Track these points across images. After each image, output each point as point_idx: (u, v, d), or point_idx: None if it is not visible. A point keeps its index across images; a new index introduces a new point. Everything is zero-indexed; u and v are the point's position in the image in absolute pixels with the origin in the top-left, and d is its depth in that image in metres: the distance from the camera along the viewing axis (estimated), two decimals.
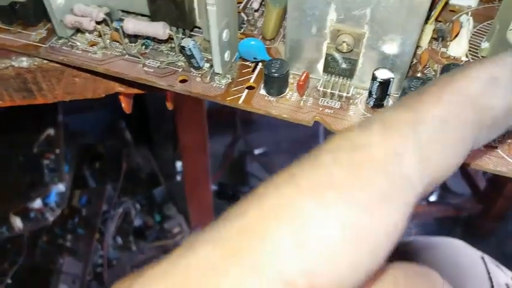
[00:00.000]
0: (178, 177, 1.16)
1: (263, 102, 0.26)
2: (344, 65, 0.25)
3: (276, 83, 0.26)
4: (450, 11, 0.32)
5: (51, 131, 0.94)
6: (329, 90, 0.26)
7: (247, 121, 1.31)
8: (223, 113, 1.23)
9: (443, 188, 1.25)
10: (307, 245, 0.12)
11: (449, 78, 0.16)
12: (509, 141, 0.24)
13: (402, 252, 0.61)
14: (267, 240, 0.12)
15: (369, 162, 0.13)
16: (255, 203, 0.13)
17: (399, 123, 0.14)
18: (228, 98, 0.26)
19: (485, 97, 0.16)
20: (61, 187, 0.93)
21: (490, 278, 0.51)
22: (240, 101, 0.26)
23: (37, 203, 0.89)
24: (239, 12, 0.31)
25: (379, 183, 0.13)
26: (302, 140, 1.31)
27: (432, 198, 1.23)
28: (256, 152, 1.32)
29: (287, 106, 0.26)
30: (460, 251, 0.58)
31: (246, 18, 0.31)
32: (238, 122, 1.30)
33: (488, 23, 0.31)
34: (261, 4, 0.31)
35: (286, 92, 0.26)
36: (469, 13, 0.31)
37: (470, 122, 0.15)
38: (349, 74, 0.26)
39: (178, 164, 1.16)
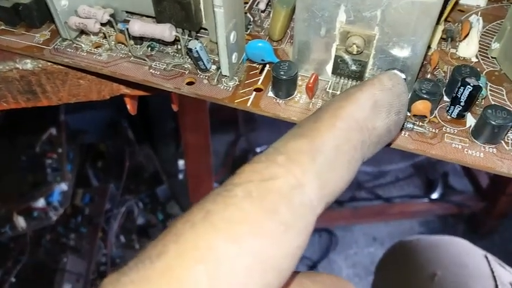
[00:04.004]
0: (181, 176, 1.16)
1: (271, 105, 0.26)
2: (354, 67, 0.25)
3: (284, 85, 0.25)
4: (459, 10, 0.32)
5: (53, 131, 0.94)
6: (338, 93, 0.26)
7: (249, 119, 1.31)
8: (225, 112, 1.23)
9: (446, 186, 1.24)
10: (221, 282, 0.13)
11: (337, 104, 0.18)
12: None
13: (406, 251, 0.60)
14: (185, 282, 0.13)
15: (275, 193, 0.15)
16: (173, 244, 0.14)
17: (300, 154, 0.16)
18: (236, 101, 0.26)
19: (370, 120, 0.18)
20: (64, 186, 0.93)
21: (494, 277, 0.51)
22: (248, 104, 0.26)
23: (40, 202, 0.89)
24: (245, 13, 0.30)
25: (283, 213, 0.14)
26: None
27: (435, 196, 1.23)
28: (258, 150, 1.32)
29: (296, 109, 0.26)
30: (463, 250, 0.58)
31: (252, 19, 0.31)
32: (240, 120, 1.30)
33: (498, 23, 0.31)
34: (267, 5, 0.31)
35: (295, 94, 0.26)
36: (479, 13, 0.31)
37: (358, 143, 0.17)
38: (359, 76, 0.25)
39: (181, 163, 1.16)
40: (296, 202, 0.15)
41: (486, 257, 0.55)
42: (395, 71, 0.20)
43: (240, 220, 0.14)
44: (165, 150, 1.16)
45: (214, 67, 0.28)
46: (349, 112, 0.17)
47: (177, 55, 0.29)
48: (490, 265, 0.53)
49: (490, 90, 0.26)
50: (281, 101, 0.26)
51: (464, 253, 0.57)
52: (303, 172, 0.15)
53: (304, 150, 0.16)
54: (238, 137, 1.32)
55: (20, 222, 0.88)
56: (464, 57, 0.28)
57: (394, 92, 0.19)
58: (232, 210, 0.14)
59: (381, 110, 0.18)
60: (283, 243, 0.14)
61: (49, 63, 0.30)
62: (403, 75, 0.21)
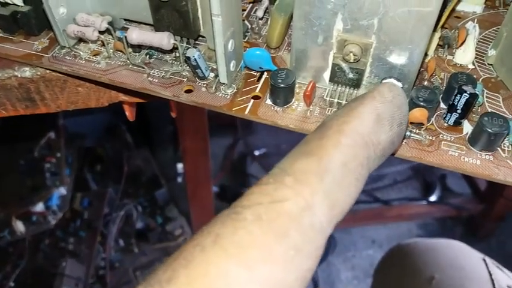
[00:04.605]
0: (179, 179, 1.16)
1: (269, 112, 0.26)
2: (351, 75, 0.25)
3: (282, 93, 0.26)
4: (455, 17, 0.32)
5: (51, 135, 0.94)
6: (336, 100, 0.26)
7: (247, 123, 1.31)
8: (224, 115, 1.23)
9: (444, 188, 1.25)
10: None
11: (341, 119, 0.18)
12: None
13: (404, 254, 0.60)
14: None
15: (285, 216, 0.15)
16: (183, 269, 0.14)
17: (308, 175, 0.16)
18: (234, 108, 0.26)
19: (375, 134, 0.18)
20: (62, 190, 0.93)
21: (492, 280, 0.51)
22: (246, 111, 0.26)
23: (39, 207, 0.89)
24: (243, 20, 0.30)
25: (293, 236, 0.14)
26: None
27: (433, 199, 1.23)
28: (257, 153, 1.32)
29: (294, 116, 0.26)
30: (461, 253, 0.58)
31: (250, 27, 0.31)
32: (238, 124, 1.30)
33: (494, 30, 0.31)
34: (265, 12, 0.31)
35: (293, 101, 0.26)
36: (475, 20, 0.31)
37: (364, 159, 0.17)
38: (356, 83, 0.26)
39: (179, 166, 1.16)
40: (306, 224, 0.15)
41: (484, 260, 0.55)
42: (394, 81, 0.20)
43: (250, 244, 0.14)
44: (164, 154, 1.16)
45: (212, 75, 0.28)
46: (352, 127, 0.17)
47: (175, 63, 0.29)
48: (488, 268, 0.53)
49: (487, 97, 0.27)
50: (279, 108, 0.26)
51: (462, 256, 0.57)
52: (311, 193, 0.15)
53: (311, 171, 0.16)
54: (237, 140, 1.32)
55: (19, 226, 0.88)
56: (460, 64, 0.29)
57: (395, 103, 0.19)
58: (242, 234, 0.14)
59: (384, 123, 0.18)
60: (293, 267, 0.14)
61: (48, 71, 0.30)
62: (400, 84, 0.21)
